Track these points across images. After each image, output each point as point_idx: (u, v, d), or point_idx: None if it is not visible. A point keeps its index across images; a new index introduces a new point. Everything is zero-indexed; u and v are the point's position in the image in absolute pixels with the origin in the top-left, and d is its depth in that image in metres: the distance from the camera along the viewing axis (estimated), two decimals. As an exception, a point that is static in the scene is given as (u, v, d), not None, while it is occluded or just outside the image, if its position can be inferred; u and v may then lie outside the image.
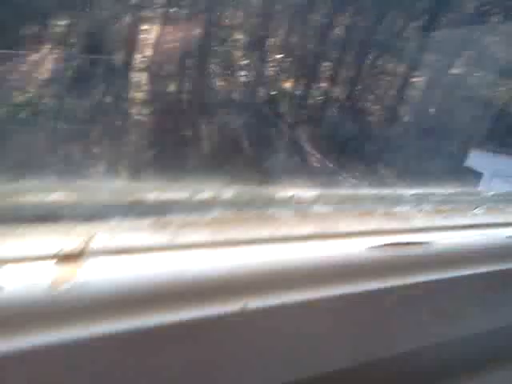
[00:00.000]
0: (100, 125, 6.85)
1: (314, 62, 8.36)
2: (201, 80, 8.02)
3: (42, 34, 8.48)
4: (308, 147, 6.95)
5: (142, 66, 8.39)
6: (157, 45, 8.83)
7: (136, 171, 5.80)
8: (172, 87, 7.94)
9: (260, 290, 0.42)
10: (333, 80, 8.19)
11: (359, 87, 8.36)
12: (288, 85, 8.53)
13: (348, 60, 8.52)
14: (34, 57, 8.22)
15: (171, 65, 8.16)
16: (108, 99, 7.29)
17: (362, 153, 6.32)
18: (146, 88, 7.80)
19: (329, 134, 6.95)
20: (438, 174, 5.88)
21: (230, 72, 8.74)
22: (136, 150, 6.44)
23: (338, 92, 8.20)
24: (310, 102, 7.99)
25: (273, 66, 8.88)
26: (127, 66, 7.89)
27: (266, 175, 6.22)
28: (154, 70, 8.33)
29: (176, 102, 7.53)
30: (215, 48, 9.05)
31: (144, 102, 7.55)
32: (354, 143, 6.56)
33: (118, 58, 7.99)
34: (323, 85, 8.26)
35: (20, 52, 7.95)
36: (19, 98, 6.93)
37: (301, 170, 6.46)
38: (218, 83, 8.38)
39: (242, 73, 8.81)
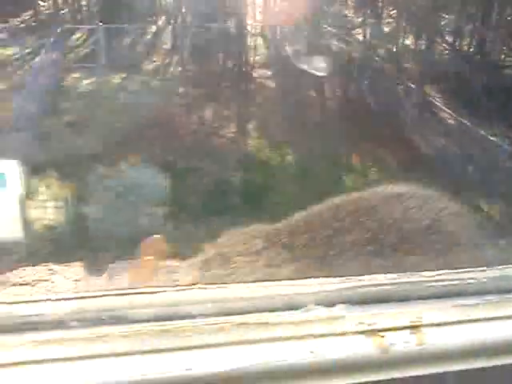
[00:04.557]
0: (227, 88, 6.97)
1: (437, 17, 7.85)
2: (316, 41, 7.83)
3: (156, 8, 8.76)
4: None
5: (258, 30, 8.40)
6: (273, 8, 8.78)
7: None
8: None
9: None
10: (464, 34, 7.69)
11: (489, 40, 7.77)
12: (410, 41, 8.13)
13: (475, 12, 7.94)
14: (153, 29, 8.51)
15: (288, 27, 8.06)
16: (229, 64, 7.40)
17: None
18: (264, 52, 7.81)
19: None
20: None
21: (345, 32, 8.50)
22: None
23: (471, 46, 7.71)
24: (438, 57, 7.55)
25: (391, 23, 8.51)
26: (243, 31, 7.90)
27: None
28: (273, 34, 8.30)
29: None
30: (328, 8, 8.82)
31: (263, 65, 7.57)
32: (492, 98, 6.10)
33: (234, 24, 8.01)
34: (454, 39, 7.79)
35: (140, 25, 8.26)
36: (148, 66, 7.21)
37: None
38: (336, 43, 8.16)
39: (356, 31, 8.53)
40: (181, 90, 6.79)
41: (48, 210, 3.85)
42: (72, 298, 0.44)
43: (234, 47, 7.55)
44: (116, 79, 6.82)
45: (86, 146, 4.93)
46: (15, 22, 8.08)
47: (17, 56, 7.13)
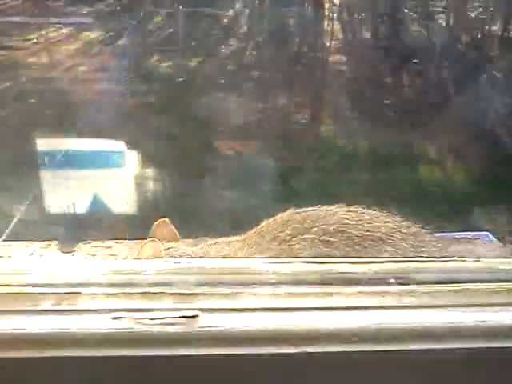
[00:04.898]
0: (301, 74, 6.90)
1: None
2: (395, 26, 7.55)
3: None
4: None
5: (336, 14, 8.23)
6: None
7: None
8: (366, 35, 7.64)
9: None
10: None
11: None
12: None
13: None
14: (231, 13, 8.59)
15: (366, 12, 7.84)
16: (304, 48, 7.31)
17: None
18: (341, 36, 7.65)
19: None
20: None
21: (425, 15, 8.13)
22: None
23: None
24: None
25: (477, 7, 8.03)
26: (319, 15, 7.77)
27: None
28: (346, 18, 8.11)
29: (373, 49, 7.23)
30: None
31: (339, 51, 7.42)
32: None
33: (309, 8, 7.90)
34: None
35: (218, 9, 8.36)
36: (224, 51, 7.32)
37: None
38: (413, 28, 7.84)
39: (439, 16, 8.12)
40: (255, 74, 6.82)
41: (165, 189, 3.92)
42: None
43: (310, 32, 7.45)
44: (193, 62, 6.96)
45: (168, 128, 5.08)
46: (100, 6, 8.43)
47: (101, 39, 7.44)
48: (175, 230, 1.27)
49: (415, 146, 5.62)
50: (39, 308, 0.54)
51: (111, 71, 6.69)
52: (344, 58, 7.18)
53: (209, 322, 0.53)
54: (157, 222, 1.27)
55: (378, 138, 5.68)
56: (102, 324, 0.54)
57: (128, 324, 0.54)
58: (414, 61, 6.31)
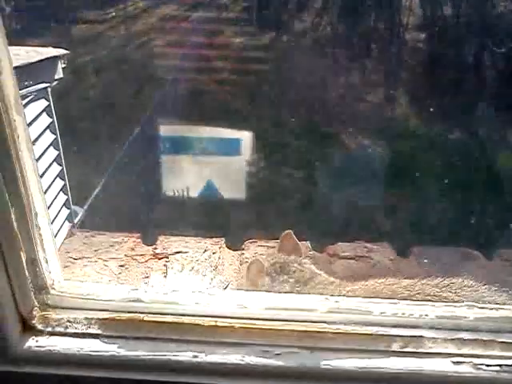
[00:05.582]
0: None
1: None
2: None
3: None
4: None
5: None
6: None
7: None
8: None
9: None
10: None
11: None
12: None
13: None
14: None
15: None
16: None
17: None
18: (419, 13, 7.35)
19: None
20: None
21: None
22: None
23: None
24: None
25: None
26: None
27: None
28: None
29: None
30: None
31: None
32: None
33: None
34: None
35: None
36: (298, 25, 7.20)
37: None
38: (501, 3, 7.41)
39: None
40: (329, 51, 6.70)
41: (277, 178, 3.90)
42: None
43: (386, 7, 7.20)
44: (265, 39, 6.91)
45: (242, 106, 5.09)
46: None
47: (174, 14, 7.50)
48: (298, 243, 1.33)
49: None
50: (391, 349, 0.60)
51: (183, 45, 6.76)
52: (422, 35, 6.92)
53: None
54: (283, 234, 1.33)
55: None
56: (443, 367, 0.60)
57: (467, 369, 0.60)
58: (498, 39, 5.99)
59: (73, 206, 3.33)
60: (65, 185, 3.26)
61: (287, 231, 1.34)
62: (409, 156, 5.00)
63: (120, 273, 1.36)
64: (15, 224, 0.65)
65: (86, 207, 3.33)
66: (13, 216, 0.64)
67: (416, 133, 5.60)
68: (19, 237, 0.66)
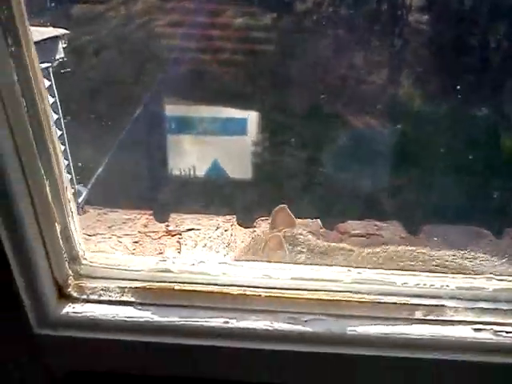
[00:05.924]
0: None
1: None
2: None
3: None
4: None
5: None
6: None
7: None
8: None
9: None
10: None
11: None
12: None
13: None
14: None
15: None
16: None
17: None
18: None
19: None
20: None
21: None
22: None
23: None
24: None
25: None
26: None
27: None
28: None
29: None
30: None
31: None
32: None
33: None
34: None
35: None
36: (301, 7, 7.14)
37: None
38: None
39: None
40: (330, 32, 6.65)
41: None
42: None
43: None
44: (266, 20, 6.84)
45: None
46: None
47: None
48: (292, 216, 1.35)
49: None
50: (414, 317, 0.63)
51: (185, 25, 6.68)
52: (425, 17, 6.86)
53: None
54: (276, 209, 1.36)
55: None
56: (464, 333, 0.63)
57: (488, 335, 0.63)
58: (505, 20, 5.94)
59: (77, 186, 3.34)
60: (68, 164, 3.26)
61: (281, 205, 1.37)
62: (417, 136, 4.99)
63: (134, 249, 1.39)
64: (50, 196, 0.67)
65: (89, 186, 3.33)
66: (47, 188, 0.66)
67: (421, 112, 5.59)
68: (54, 209, 0.68)
